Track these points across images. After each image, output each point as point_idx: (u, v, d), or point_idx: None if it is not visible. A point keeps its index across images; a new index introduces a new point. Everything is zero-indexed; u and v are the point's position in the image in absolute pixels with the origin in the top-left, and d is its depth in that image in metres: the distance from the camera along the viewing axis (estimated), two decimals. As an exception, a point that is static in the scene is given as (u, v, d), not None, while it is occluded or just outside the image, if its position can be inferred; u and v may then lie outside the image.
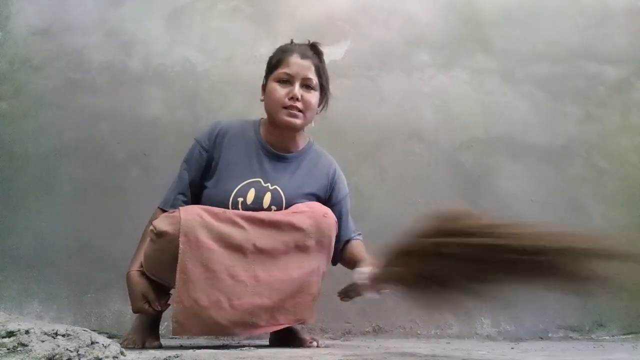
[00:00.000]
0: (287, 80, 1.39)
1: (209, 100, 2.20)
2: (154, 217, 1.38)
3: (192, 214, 1.24)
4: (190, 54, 2.24)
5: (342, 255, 1.49)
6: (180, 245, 1.20)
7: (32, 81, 2.19)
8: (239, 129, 1.46)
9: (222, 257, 1.22)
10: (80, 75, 2.21)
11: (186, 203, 1.40)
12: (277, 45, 1.50)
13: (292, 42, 1.49)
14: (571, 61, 2.28)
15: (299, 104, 1.38)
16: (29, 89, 2.19)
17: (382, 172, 2.16)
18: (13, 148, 2.12)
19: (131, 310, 1.36)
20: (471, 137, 2.21)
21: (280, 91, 1.39)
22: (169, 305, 1.35)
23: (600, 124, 2.23)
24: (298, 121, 1.40)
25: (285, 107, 1.38)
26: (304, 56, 1.41)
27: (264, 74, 1.49)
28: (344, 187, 1.52)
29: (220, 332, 1.23)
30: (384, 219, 2.07)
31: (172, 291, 1.37)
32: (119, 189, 2.09)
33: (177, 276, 1.20)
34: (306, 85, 1.40)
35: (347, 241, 1.50)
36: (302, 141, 1.49)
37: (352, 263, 1.40)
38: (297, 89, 1.38)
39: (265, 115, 1.49)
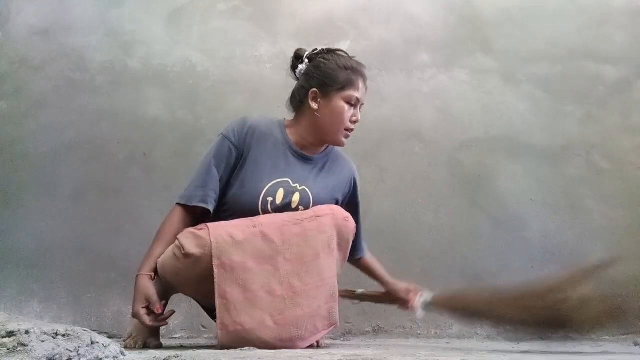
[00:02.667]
0: (354, 104, 1.43)
1: (209, 100, 2.20)
2: (174, 216, 1.36)
3: (221, 235, 1.24)
4: (190, 54, 2.24)
5: (359, 262, 1.60)
6: (215, 270, 1.20)
7: (32, 81, 2.19)
8: (267, 127, 1.45)
9: (257, 275, 1.22)
10: (80, 75, 2.21)
11: (216, 201, 1.38)
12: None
13: (345, 53, 1.49)
14: (571, 61, 2.28)
15: (354, 127, 1.45)
16: (29, 89, 2.18)
17: (382, 172, 2.16)
18: (13, 148, 2.12)
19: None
20: (471, 137, 2.21)
21: (348, 113, 1.42)
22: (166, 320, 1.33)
23: (600, 124, 2.22)
24: (346, 141, 1.46)
25: (346, 129, 1.44)
26: (366, 81, 1.47)
27: (298, 82, 1.49)
28: (359, 190, 1.57)
29: (268, 349, 1.20)
30: (384, 219, 2.07)
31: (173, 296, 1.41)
32: (119, 189, 2.09)
33: (217, 302, 1.20)
34: (359, 109, 1.47)
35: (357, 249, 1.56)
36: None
37: (372, 275, 1.61)
38: (359, 115, 1.45)
39: (288, 117, 1.51)
